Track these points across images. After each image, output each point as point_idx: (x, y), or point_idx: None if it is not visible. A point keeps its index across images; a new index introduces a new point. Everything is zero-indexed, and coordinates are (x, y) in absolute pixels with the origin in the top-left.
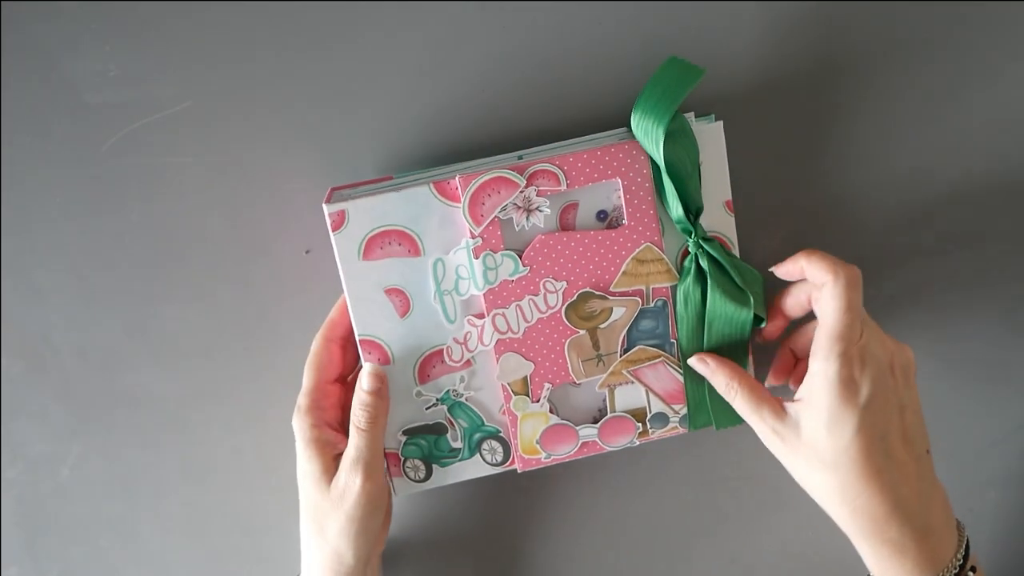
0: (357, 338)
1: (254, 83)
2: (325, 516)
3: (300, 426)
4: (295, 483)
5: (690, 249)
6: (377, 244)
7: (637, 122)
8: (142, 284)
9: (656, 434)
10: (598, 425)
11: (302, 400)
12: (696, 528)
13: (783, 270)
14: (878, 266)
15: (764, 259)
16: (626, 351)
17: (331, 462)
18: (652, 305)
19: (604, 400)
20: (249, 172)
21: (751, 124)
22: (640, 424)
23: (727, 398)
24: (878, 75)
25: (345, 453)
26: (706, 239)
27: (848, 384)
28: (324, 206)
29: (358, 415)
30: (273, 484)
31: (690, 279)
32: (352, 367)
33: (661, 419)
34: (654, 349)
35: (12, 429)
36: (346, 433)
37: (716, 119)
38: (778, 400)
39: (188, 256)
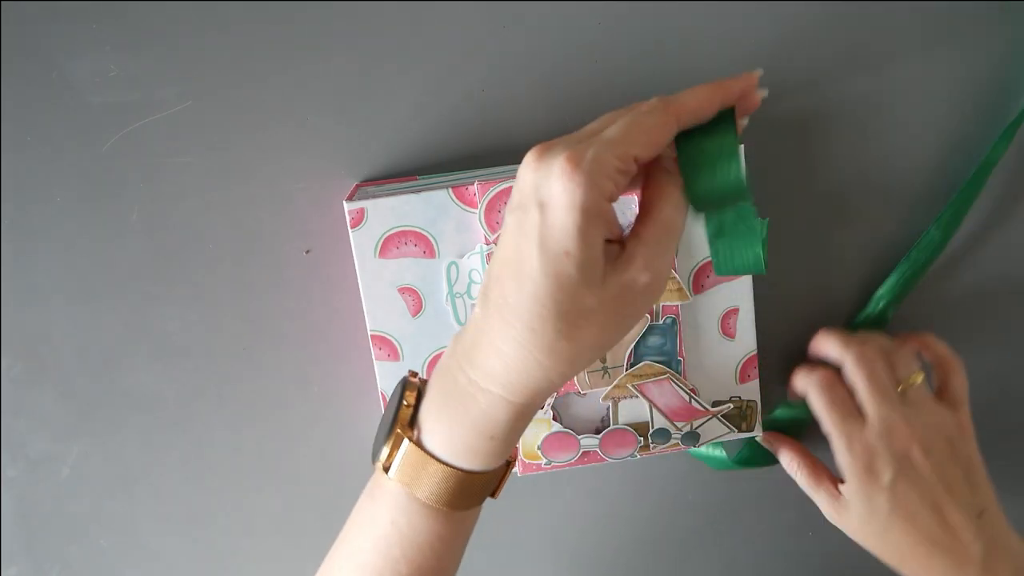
0: (369, 333)
1: (254, 83)
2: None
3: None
4: (295, 483)
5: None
6: (393, 243)
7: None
8: (142, 284)
9: (657, 449)
10: (600, 436)
11: (608, 155)
12: (696, 528)
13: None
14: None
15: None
16: (632, 365)
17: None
18: (661, 322)
19: (607, 412)
20: (249, 172)
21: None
22: (642, 438)
23: (790, 473)
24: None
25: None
26: None
27: (867, 472)
28: (344, 203)
29: None
30: (273, 484)
31: None
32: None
33: (663, 435)
34: (660, 365)
35: (12, 429)
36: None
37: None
38: (835, 481)
39: (188, 256)
